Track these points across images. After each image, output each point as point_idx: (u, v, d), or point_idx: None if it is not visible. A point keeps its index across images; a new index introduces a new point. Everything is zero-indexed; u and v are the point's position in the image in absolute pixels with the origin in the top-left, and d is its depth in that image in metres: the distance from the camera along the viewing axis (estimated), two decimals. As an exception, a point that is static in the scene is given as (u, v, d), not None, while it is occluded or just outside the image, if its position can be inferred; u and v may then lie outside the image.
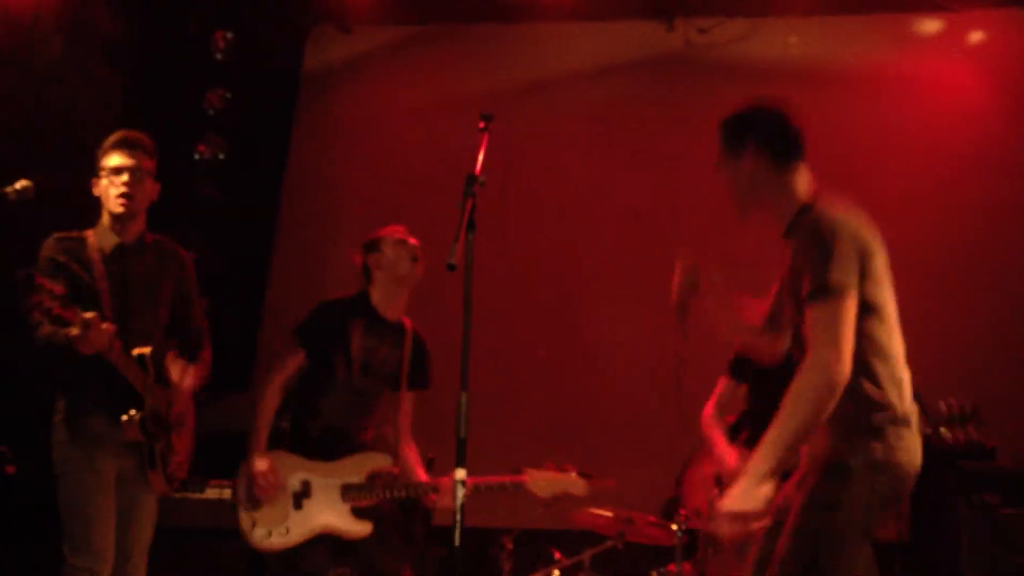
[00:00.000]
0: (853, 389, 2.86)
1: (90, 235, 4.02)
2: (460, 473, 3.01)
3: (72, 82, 6.21)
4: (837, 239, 2.91)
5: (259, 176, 7.53)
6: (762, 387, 4.49)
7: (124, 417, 3.85)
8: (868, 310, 2.93)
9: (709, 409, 4.73)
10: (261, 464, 4.18)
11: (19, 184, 3.74)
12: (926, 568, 5.33)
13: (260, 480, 4.15)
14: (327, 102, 7.82)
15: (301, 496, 4.24)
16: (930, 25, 7.25)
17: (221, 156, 7.11)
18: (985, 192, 6.88)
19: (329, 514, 4.21)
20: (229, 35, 7.06)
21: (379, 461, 4.31)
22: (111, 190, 4.01)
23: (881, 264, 3.04)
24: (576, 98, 7.32)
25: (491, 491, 4.17)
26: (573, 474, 4.22)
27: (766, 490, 2.84)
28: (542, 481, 4.21)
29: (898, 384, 2.95)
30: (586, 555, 5.16)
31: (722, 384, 4.77)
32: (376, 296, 4.47)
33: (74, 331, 3.60)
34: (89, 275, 3.93)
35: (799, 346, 2.98)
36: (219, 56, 7.08)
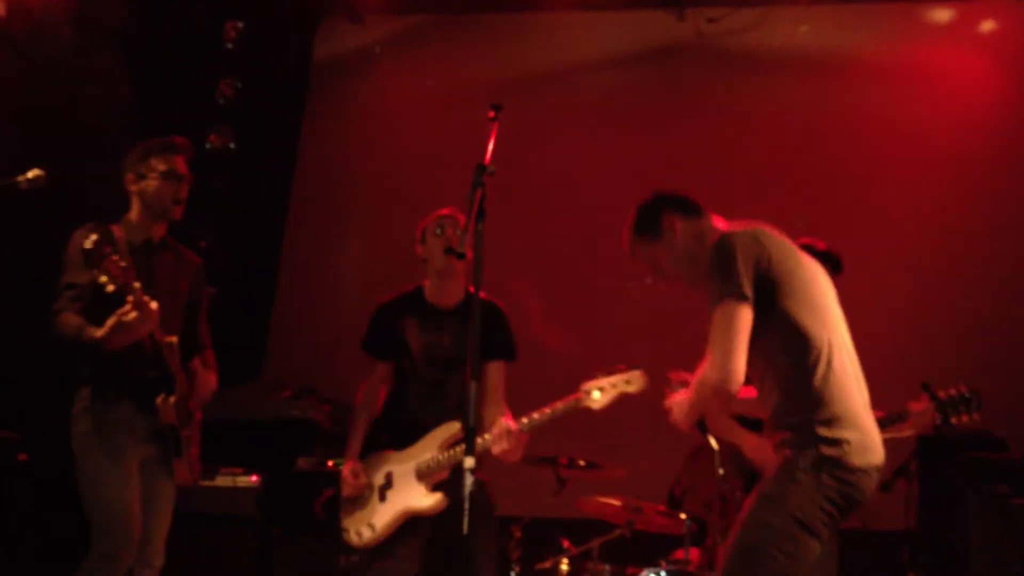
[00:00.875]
0: (800, 392, 2.96)
1: (116, 229, 4.02)
2: (469, 462, 3.01)
3: (81, 72, 6.22)
4: (731, 255, 2.99)
5: (270, 166, 7.55)
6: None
7: (159, 399, 3.89)
8: (790, 322, 3.00)
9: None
10: (346, 469, 4.32)
11: (31, 173, 3.76)
12: (935, 558, 5.33)
13: (345, 484, 4.29)
14: (337, 92, 7.82)
15: (385, 488, 4.28)
16: (941, 14, 7.23)
17: (232, 146, 7.11)
18: (995, 181, 6.87)
19: (407, 497, 4.22)
20: (240, 25, 7.07)
21: (448, 430, 4.24)
22: (163, 193, 4.05)
23: (804, 279, 3.09)
24: (587, 87, 7.32)
25: (550, 420, 4.06)
26: (625, 373, 4.05)
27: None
28: (596, 391, 4.04)
29: (841, 386, 3.00)
30: (595, 543, 5.18)
31: None
32: (429, 287, 4.44)
33: (130, 313, 3.65)
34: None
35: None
36: (229, 46, 7.08)
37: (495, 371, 4.39)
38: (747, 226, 3.13)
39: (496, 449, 4.09)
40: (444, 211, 4.40)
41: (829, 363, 3.00)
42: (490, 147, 3.20)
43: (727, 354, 2.91)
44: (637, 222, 3.31)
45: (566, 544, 5.28)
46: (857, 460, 2.93)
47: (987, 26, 7.19)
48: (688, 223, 3.25)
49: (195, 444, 4.14)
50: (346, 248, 7.72)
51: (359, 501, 4.30)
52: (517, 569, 5.22)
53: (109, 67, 6.39)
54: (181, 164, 4.10)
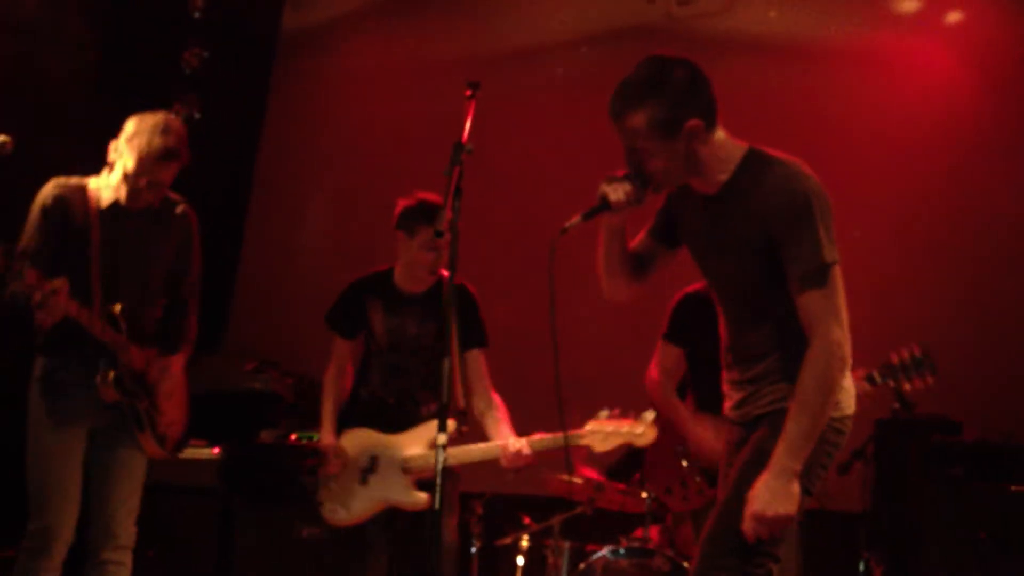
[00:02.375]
0: (807, 342, 2.80)
1: (90, 185, 3.95)
2: (441, 438, 3.02)
3: (46, 39, 6.13)
4: (816, 205, 2.78)
5: (235, 137, 7.48)
6: (703, 350, 4.31)
7: (98, 378, 3.81)
8: None
9: (654, 374, 4.55)
10: (325, 441, 4.28)
11: (-3, 139, 3.70)
12: (891, 539, 5.41)
13: (325, 458, 4.25)
14: (305, 63, 7.76)
15: (368, 472, 4.25)
16: (908, 3, 7.27)
17: (196, 116, 7.04)
18: (958, 170, 6.93)
19: (390, 488, 4.20)
20: (208, -7, 6.99)
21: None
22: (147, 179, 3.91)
23: None
24: (556, 66, 7.31)
25: (551, 447, 4.08)
26: (637, 423, 4.00)
27: (797, 490, 2.74)
28: (602, 434, 4.03)
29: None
30: (556, 520, 5.21)
31: (660, 349, 4.59)
32: (399, 271, 4.41)
33: (36, 297, 3.54)
34: (83, 227, 3.87)
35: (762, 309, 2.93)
36: (197, 14, 7.00)
37: (475, 360, 4.39)
38: (785, 155, 2.90)
39: (507, 464, 4.14)
40: (427, 199, 4.25)
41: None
42: (468, 125, 3.19)
43: (845, 327, 2.78)
44: (660, 119, 2.80)
45: (527, 520, 5.31)
46: (848, 408, 2.90)
47: (953, 16, 7.24)
48: (707, 133, 2.85)
49: (170, 412, 4.04)
50: (311, 220, 7.68)
51: (339, 478, 4.26)
52: (478, 544, 5.26)
53: (75, 34, 6.30)
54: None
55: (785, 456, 2.73)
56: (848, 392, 2.91)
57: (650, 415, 4.02)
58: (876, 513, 5.36)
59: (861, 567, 5.11)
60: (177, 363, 4.08)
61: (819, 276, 2.75)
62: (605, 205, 2.91)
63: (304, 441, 5.56)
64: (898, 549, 5.37)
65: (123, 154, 3.90)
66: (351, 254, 6.75)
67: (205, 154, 7.10)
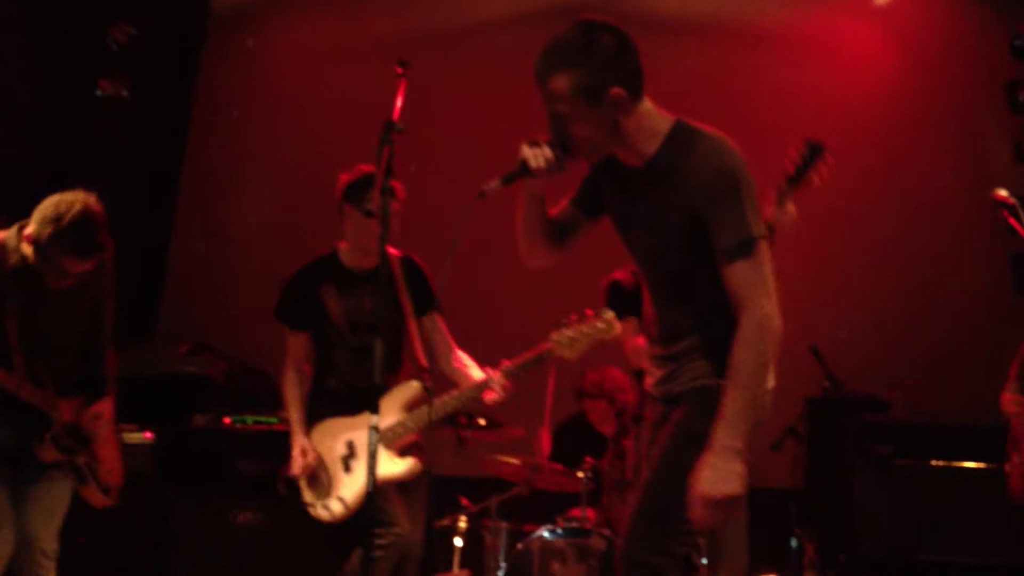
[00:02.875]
0: (731, 320, 2.75)
1: (5, 239, 3.69)
2: (373, 419, 3.00)
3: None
4: (743, 181, 2.73)
5: (164, 116, 7.33)
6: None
7: (34, 444, 3.68)
8: None
9: (640, 341, 4.37)
10: (295, 448, 4.20)
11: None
12: (821, 514, 5.51)
13: (294, 463, 4.17)
14: (237, 40, 7.62)
15: (348, 458, 4.18)
16: (841, -15, 7.37)
17: (124, 94, 6.89)
18: (888, 150, 7.05)
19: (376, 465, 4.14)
20: (135, -32, 6.84)
21: (408, 392, 4.17)
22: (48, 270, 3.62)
23: None
24: (493, 45, 7.27)
25: (524, 371, 4.01)
26: (598, 319, 3.87)
27: (741, 468, 2.66)
28: (567, 340, 3.88)
29: None
30: (493, 501, 5.22)
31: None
32: (345, 250, 4.33)
33: None
34: None
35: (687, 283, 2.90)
36: (124, -10, 6.85)
37: (433, 323, 4.37)
38: (711, 129, 2.84)
39: (489, 397, 4.09)
40: (370, 170, 4.08)
41: None
42: (398, 104, 3.15)
43: (773, 299, 2.73)
44: (584, 84, 2.71)
45: (464, 502, 5.31)
46: (772, 381, 2.86)
47: (882, -1, 7.35)
48: (632, 103, 2.77)
49: (109, 459, 3.91)
50: (244, 200, 7.58)
51: (320, 475, 4.18)
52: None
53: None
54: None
55: (725, 435, 2.67)
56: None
57: (608, 312, 3.89)
58: (807, 489, 5.45)
59: (793, 543, 5.19)
60: (107, 407, 3.92)
61: (746, 248, 2.70)
62: (524, 170, 2.83)
63: (239, 425, 5.50)
64: (829, 525, 5.48)
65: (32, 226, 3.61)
66: (285, 234, 6.68)
67: (134, 133, 7.04)
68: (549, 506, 5.33)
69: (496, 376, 4.08)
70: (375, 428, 2.99)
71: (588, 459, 5.10)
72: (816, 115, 7.13)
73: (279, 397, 4.43)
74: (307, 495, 4.20)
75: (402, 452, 4.15)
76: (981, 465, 5.08)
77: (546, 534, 4.87)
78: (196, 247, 7.42)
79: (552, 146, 2.80)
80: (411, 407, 4.15)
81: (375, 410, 3.00)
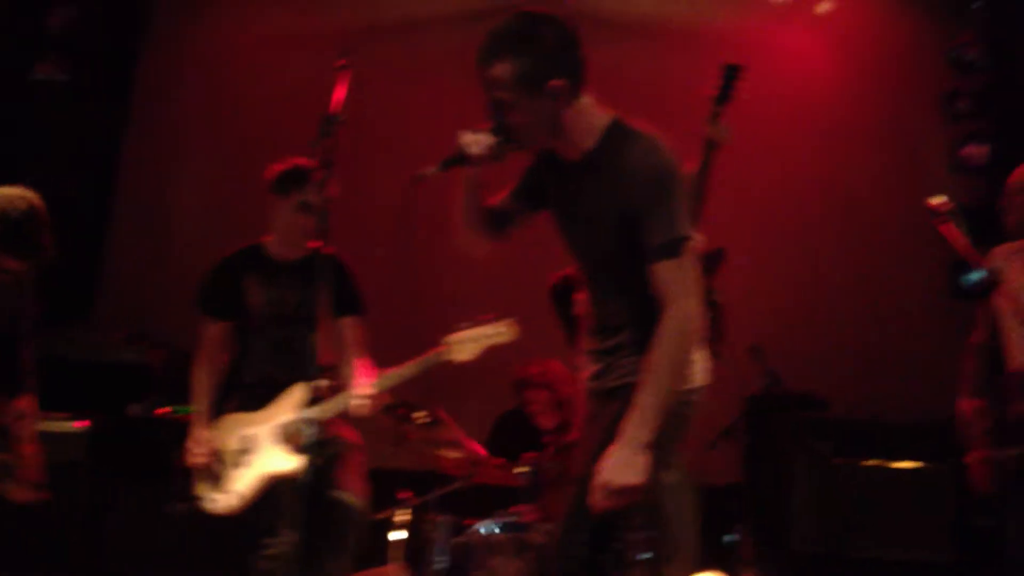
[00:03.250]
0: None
1: None
2: (311, 412, 2.97)
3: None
4: (675, 181, 2.77)
5: (103, 101, 7.21)
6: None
7: None
8: None
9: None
10: (190, 437, 4.14)
11: None
12: (761, 511, 5.56)
13: (188, 454, 4.11)
14: (177, 27, 7.52)
15: (244, 453, 4.11)
16: (780, -9, 7.46)
17: (63, 78, 6.77)
18: (827, 155, 7.16)
19: (269, 461, 4.05)
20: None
21: (310, 390, 4.03)
22: None
23: None
24: (435, 39, 7.26)
25: (410, 377, 3.97)
26: (494, 324, 3.89)
27: (645, 460, 2.69)
28: (460, 343, 3.89)
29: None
30: (433, 495, 5.19)
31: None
32: (272, 242, 4.28)
33: None
34: None
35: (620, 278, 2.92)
36: (63, -29, 6.73)
37: (349, 327, 4.30)
38: (648, 128, 2.88)
39: (353, 410, 4.03)
40: (301, 163, 4.17)
41: None
42: (339, 96, 3.12)
43: (697, 298, 2.76)
44: (525, 73, 2.75)
45: (405, 496, 5.27)
46: (697, 381, 2.91)
47: (823, 6, 7.46)
48: (572, 96, 2.82)
49: (31, 457, 3.83)
50: (183, 187, 7.46)
51: (216, 467, 4.12)
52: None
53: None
54: None
55: (634, 427, 2.70)
56: (698, 365, 2.91)
57: (508, 320, 3.90)
58: (747, 486, 5.50)
59: (730, 538, 5.23)
60: (29, 404, 3.85)
61: (673, 247, 2.73)
62: (462, 157, 2.88)
63: (175, 415, 5.42)
64: (767, 521, 5.54)
65: None
66: (224, 222, 6.59)
67: (71, 116, 6.91)
68: (491, 500, 5.32)
69: (366, 387, 4.00)
70: (309, 422, 2.96)
71: (529, 454, 5.10)
72: (757, 119, 7.21)
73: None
74: (199, 487, 4.14)
75: (299, 450, 4.07)
76: (914, 464, 5.17)
77: (485, 528, 4.85)
78: (135, 233, 7.30)
79: (491, 134, 2.83)
80: (307, 405, 4.03)
81: (312, 403, 2.95)
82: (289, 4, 7.42)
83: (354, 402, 4.01)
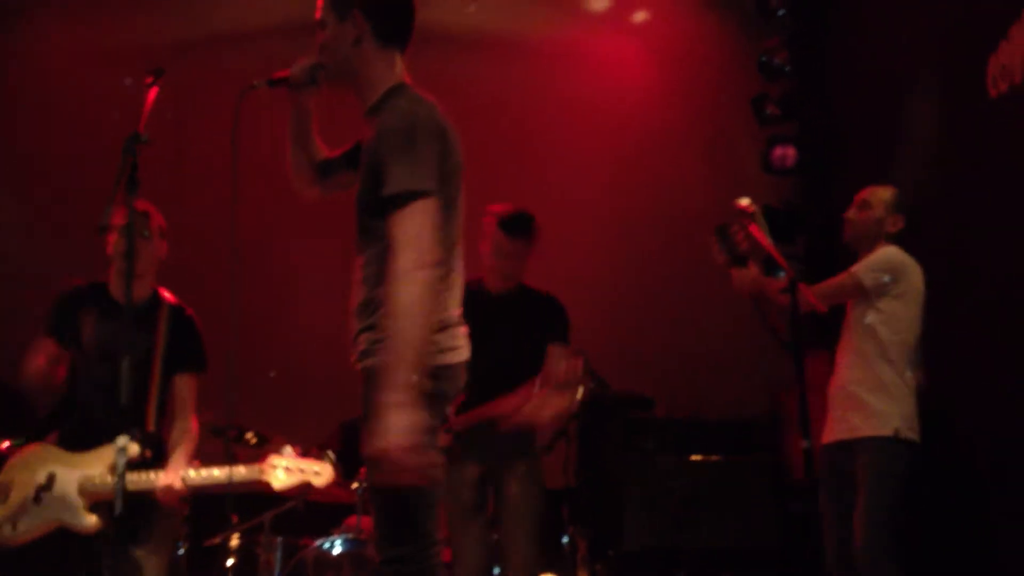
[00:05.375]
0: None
1: None
2: (121, 440, 2.88)
3: None
4: (420, 137, 2.75)
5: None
6: None
7: None
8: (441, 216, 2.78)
9: None
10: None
11: None
12: (594, 512, 5.67)
13: None
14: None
15: (43, 489, 3.90)
16: (599, 2, 7.64)
17: None
18: (649, 160, 7.35)
19: (63, 509, 3.87)
20: None
21: (124, 452, 3.96)
22: None
23: (458, 170, 2.89)
24: (254, 56, 7.14)
25: (225, 483, 3.89)
26: (317, 463, 3.93)
27: (400, 421, 2.56)
28: (281, 472, 3.89)
29: (452, 287, 2.88)
30: (266, 517, 5.12)
31: None
32: (112, 280, 4.12)
33: None
34: None
35: (370, 234, 2.86)
36: None
37: (184, 384, 4.14)
38: (429, 97, 2.91)
39: (160, 496, 3.88)
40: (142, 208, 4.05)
41: (459, 267, 2.91)
42: (145, 114, 3.06)
43: (428, 254, 2.69)
44: None
45: (236, 519, 5.18)
46: (448, 357, 2.82)
47: (640, 16, 7.67)
48: (374, 42, 2.93)
49: None
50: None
51: (12, 493, 3.94)
52: (186, 546, 5.07)
53: None
54: None
55: (382, 392, 2.60)
56: (448, 342, 2.82)
57: (331, 455, 4.02)
58: (579, 488, 5.60)
59: (564, 540, 5.32)
60: None
61: (402, 200, 2.69)
62: (284, 78, 3.03)
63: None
64: (600, 521, 5.65)
65: None
66: (37, 241, 6.34)
67: None
68: (326, 518, 5.27)
69: (175, 481, 3.86)
70: (123, 449, 2.87)
71: (363, 468, 5.08)
72: (578, 126, 7.38)
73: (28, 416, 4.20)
74: None
75: (94, 507, 3.90)
76: (740, 457, 5.36)
77: (321, 546, 4.82)
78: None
79: (313, 62, 3.00)
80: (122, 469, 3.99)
81: (122, 430, 2.86)
82: (93, 21, 7.17)
83: (159, 486, 3.87)
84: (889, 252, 4.45)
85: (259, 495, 5.25)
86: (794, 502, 4.75)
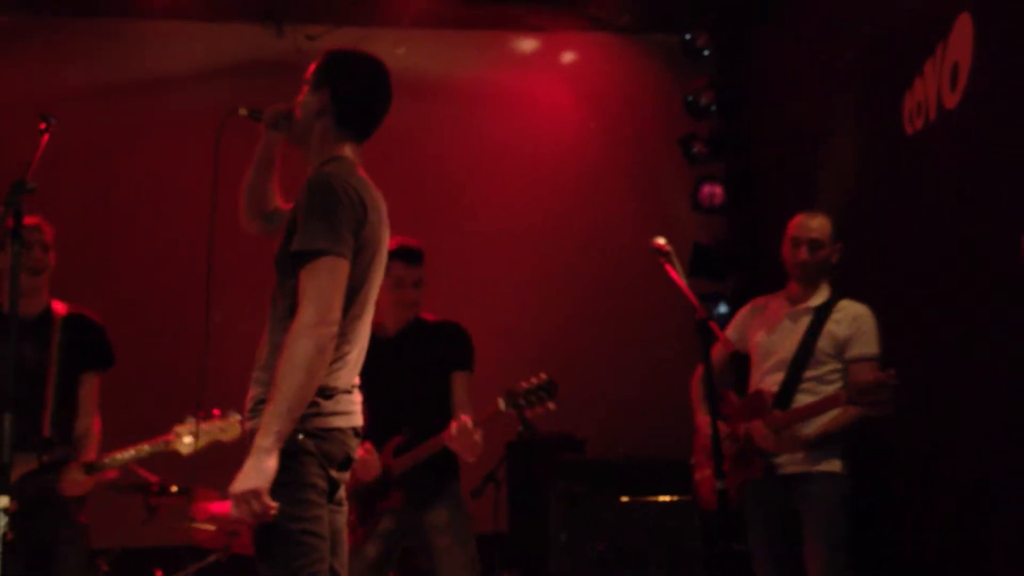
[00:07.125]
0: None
1: None
2: (3, 501, 2.80)
3: None
4: (334, 201, 2.85)
5: None
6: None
7: None
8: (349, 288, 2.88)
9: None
10: None
11: None
12: (523, 555, 5.63)
13: None
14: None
15: None
16: (527, 44, 7.69)
17: None
18: (581, 199, 7.39)
19: None
20: None
21: (27, 460, 3.95)
22: None
23: (375, 245, 2.99)
24: (181, 98, 7.09)
25: (136, 460, 4.02)
26: (222, 420, 3.99)
27: (268, 465, 2.67)
28: (187, 436, 3.97)
29: (344, 358, 2.93)
30: (191, 570, 5.03)
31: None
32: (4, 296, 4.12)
33: None
34: None
35: (281, 291, 2.95)
36: None
37: (87, 383, 4.26)
38: (358, 172, 3.03)
39: (66, 488, 3.96)
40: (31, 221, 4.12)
41: (359, 343, 2.99)
42: (35, 161, 3.04)
43: (328, 313, 2.77)
44: (319, 70, 3.13)
45: (159, 574, 5.08)
46: (333, 421, 2.88)
47: (568, 57, 7.74)
48: (332, 121, 3.08)
49: None
50: None
51: None
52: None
53: None
54: None
55: (259, 436, 2.71)
56: (333, 407, 2.88)
57: (235, 415, 3.99)
58: (509, 532, 5.56)
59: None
60: None
61: (307, 258, 2.80)
62: (259, 113, 3.25)
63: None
64: (531, 564, 5.61)
65: None
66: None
67: None
68: (250, 571, 5.16)
69: (79, 476, 3.97)
70: (3, 511, 2.80)
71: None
72: (508, 167, 7.40)
73: None
74: None
75: None
76: (669, 498, 5.34)
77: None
78: None
79: (286, 111, 3.18)
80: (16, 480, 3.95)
81: (4, 490, 2.80)
82: (35, 59, 7.07)
83: (66, 482, 3.94)
84: (872, 320, 4.44)
85: (184, 548, 5.17)
86: (726, 540, 4.73)
